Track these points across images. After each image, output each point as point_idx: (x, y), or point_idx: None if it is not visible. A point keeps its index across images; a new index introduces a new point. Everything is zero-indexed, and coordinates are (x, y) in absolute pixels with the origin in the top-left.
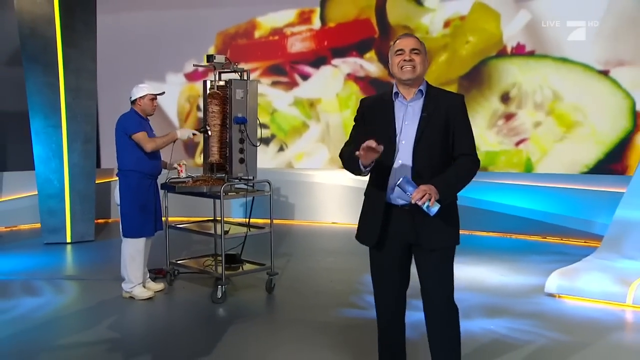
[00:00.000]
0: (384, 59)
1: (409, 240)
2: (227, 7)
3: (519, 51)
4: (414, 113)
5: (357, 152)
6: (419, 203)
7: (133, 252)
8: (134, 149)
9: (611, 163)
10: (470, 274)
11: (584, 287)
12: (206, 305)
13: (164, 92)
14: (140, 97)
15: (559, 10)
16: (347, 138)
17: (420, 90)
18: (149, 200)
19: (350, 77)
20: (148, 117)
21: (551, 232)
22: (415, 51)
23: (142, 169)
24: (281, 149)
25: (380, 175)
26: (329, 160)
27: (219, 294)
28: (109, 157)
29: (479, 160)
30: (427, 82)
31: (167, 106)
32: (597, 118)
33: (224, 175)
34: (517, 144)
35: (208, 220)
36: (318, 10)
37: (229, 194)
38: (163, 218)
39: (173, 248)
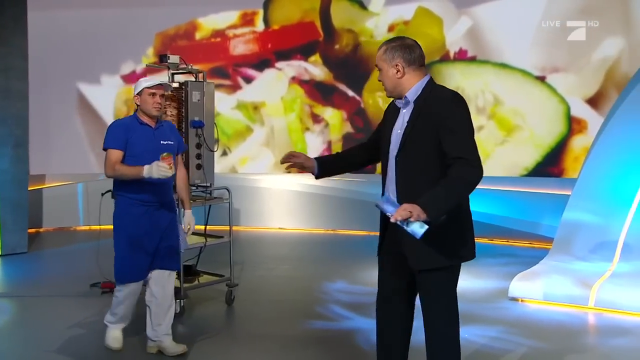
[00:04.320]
0: (328, 62)
1: (400, 251)
2: (165, 6)
3: (461, 56)
4: (404, 120)
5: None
6: (398, 223)
7: (121, 297)
8: None
9: (549, 166)
10: None
11: (547, 291)
12: None
13: (168, 84)
14: (138, 94)
15: (498, 17)
16: (292, 142)
17: (407, 98)
18: (141, 234)
19: (295, 80)
20: (158, 124)
21: (497, 234)
22: (378, 67)
23: (129, 192)
24: (224, 153)
25: (382, 184)
26: (274, 164)
27: (178, 309)
28: (39, 163)
29: (477, 161)
30: (425, 84)
31: (102, 109)
32: (536, 122)
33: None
34: None
35: None
36: (261, 12)
37: None
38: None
39: None
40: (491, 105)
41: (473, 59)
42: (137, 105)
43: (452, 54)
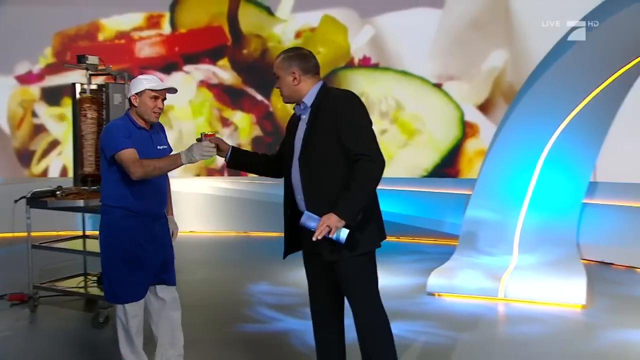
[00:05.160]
0: (237, 67)
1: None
2: (65, 5)
3: (365, 63)
4: (304, 125)
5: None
6: (320, 238)
7: (124, 319)
8: (115, 174)
9: (446, 167)
10: None
11: (462, 285)
12: (85, 331)
13: (175, 90)
14: (136, 94)
15: (399, 27)
16: None
17: (304, 103)
18: (139, 249)
19: (204, 84)
20: (152, 127)
21: (405, 232)
22: (276, 75)
23: (126, 203)
24: None
25: (286, 188)
26: (184, 168)
27: (102, 318)
28: None
29: (377, 156)
30: (320, 88)
31: None
32: (434, 127)
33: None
34: None
35: (77, 237)
36: (168, 15)
37: None
38: (24, 234)
39: (34, 268)
40: (393, 110)
41: (376, 66)
42: (133, 106)
43: (356, 61)
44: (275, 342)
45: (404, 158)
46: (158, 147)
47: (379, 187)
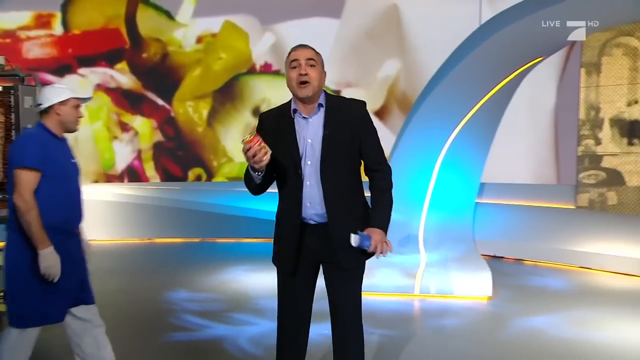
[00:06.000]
0: (136, 71)
1: (321, 258)
2: None
3: (266, 69)
4: (316, 130)
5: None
6: (355, 245)
7: (15, 344)
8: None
9: None
10: (266, 281)
11: (380, 283)
12: None
13: (91, 98)
14: (60, 103)
15: (299, 35)
16: (99, 151)
17: (320, 104)
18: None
19: (101, 87)
20: (64, 137)
21: None
22: (312, 62)
23: (45, 219)
24: None
25: (289, 199)
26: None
27: None
28: None
29: (389, 166)
30: (325, 92)
31: None
32: None
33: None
34: None
35: None
36: (59, 15)
37: None
38: None
39: None
40: None
41: (278, 73)
42: (56, 114)
43: (258, 67)
44: (209, 350)
45: None
46: (71, 160)
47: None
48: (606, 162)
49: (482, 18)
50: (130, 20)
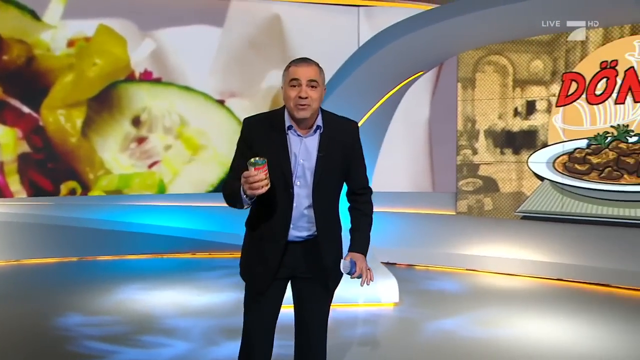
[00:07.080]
0: None
1: (294, 273)
2: None
3: (146, 77)
4: (310, 151)
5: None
6: (346, 273)
7: None
8: None
9: None
10: (166, 299)
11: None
12: None
13: None
14: None
15: (181, 42)
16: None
17: (318, 126)
18: None
19: None
20: None
21: (199, 248)
22: (313, 84)
23: None
24: None
25: (276, 219)
26: None
27: None
28: None
29: (371, 190)
30: (321, 109)
31: None
32: (218, 142)
33: None
34: (150, 166)
35: None
36: None
37: None
38: None
39: None
40: (178, 126)
41: (159, 81)
42: None
43: (137, 74)
44: None
45: (189, 173)
46: None
47: (161, 203)
48: (482, 171)
49: (360, 30)
50: None
